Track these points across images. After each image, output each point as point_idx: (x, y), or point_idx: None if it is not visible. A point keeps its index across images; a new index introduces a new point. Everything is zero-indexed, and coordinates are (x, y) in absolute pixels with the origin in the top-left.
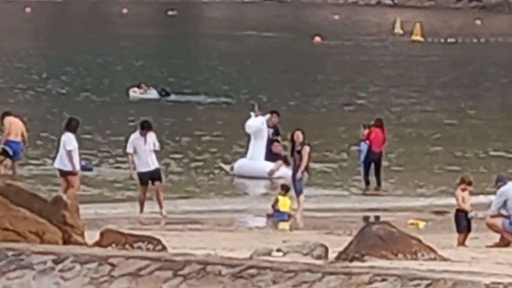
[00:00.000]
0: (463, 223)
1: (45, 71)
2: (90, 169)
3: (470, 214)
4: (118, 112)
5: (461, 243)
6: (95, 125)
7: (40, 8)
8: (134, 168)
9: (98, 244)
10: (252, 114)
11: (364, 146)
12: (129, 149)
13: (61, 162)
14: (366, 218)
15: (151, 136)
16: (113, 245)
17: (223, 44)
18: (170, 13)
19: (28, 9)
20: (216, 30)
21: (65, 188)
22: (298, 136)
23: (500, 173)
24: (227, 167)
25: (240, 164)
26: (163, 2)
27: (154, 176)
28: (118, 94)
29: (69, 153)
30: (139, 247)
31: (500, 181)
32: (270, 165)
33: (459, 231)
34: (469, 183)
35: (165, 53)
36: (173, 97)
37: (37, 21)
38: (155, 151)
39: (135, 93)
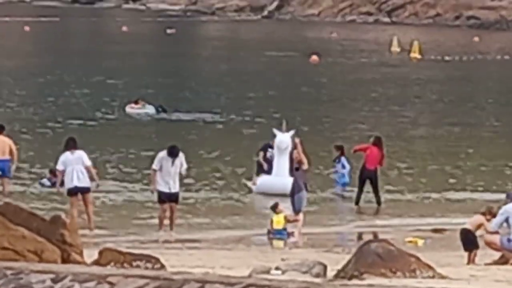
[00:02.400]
0: (473, 240)
1: (43, 88)
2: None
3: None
4: (115, 128)
5: (472, 260)
6: (93, 143)
7: (39, 27)
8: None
9: (96, 262)
10: (275, 130)
11: (340, 167)
12: (155, 166)
13: (78, 180)
14: (361, 236)
15: (180, 159)
16: (112, 264)
17: (220, 62)
18: (169, 31)
19: (27, 28)
20: (213, 49)
21: (84, 206)
22: (295, 156)
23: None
24: (249, 183)
25: (264, 181)
26: (162, 21)
27: (172, 197)
28: (115, 110)
29: (88, 168)
30: (138, 266)
31: (508, 198)
32: None
33: (468, 249)
34: (495, 215)
35: (163, 71)
36: (170, 114)
37: (36, 39)
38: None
39: (132, 109)
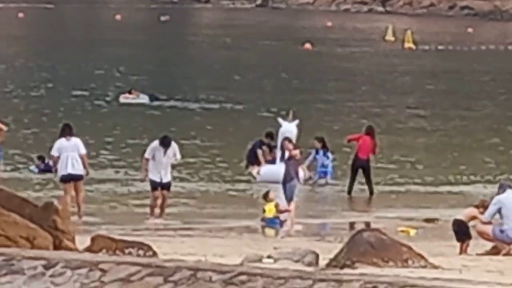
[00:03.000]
0: (465, 231)
1: (36, 76)
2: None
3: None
4: (109, 118)
5: (464, 250)
6: (86, 131)
7: (33, 14)
8: (147, 174)
9: (88, 249)
10: (280, 120)
11: (324, 158)
12: (148, 155)
13: (73, 167)
14: (353, 225)
15: (172, 149)
16: (104, 251)
17: (214, 50)
18: (162, 18)
19: (21, 14)
20: (207, 36)
21: (75, 193)
22: (287, 145)
23: (503, 180)
24: (254, 171)
25: (267, 170)
26: (156, 8)
27: (163, 186)
28: (109, 99)
29: (83, 156)
30: (130, 253)
31: (501, 188)
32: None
33: (461, 239)
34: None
35: (156, 58)
36: (163, 101)
37: (29, 26)
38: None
39: (126, 98)
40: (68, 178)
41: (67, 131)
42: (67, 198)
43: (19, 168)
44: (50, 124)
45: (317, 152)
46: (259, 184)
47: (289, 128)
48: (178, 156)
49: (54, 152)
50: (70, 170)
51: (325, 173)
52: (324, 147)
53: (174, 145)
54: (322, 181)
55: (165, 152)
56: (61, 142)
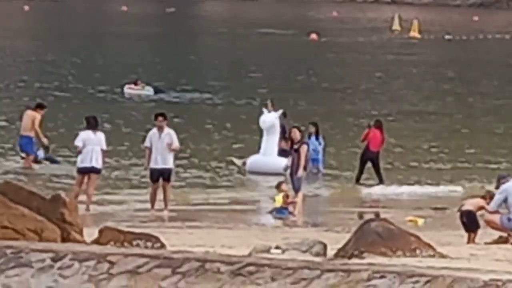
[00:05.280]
0: (474, 221)
1: (41, 68)
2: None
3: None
4: (114, 108)
5: (472, 240)
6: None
7: (38, 6)
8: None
9: (96, 241)
10: (265, 110)
11: (316, 143)
12: (146, 143)
13: (96, 161)
14: (362, 215)
15: (168, 133)
16: (112, 243)
17: (220, 42)
18: (168, 10)
19: (26, 7)
20: (213, 28)
21: (87, 185)
22: (295, 133)
23: (500, 172)
24: (239, 162)
25: (253, 160)
26: (162, 0)
27: (163, 175)
28: (115, 90)
29: (103, 152)
30: (138, 245)
31: (503, 178)
32: (284, 161)
33: (470, 230)
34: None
35: (161, 50)
36: (168, 94)
37: (35, 19)
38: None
39: (131, 89)
40: (89, 171)
41: (93, 124)
42: (79, 189)
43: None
44: (55, 115)
45: (309, 137)
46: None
47: (265, 118)
48: (176, 143)
49: (78, 143)
50: (94, 163)
51: (317, 160)
52: (317, 132)
53: (170, 132)
54: (314, 169)
55: (159, 136)
56: (87, 134)
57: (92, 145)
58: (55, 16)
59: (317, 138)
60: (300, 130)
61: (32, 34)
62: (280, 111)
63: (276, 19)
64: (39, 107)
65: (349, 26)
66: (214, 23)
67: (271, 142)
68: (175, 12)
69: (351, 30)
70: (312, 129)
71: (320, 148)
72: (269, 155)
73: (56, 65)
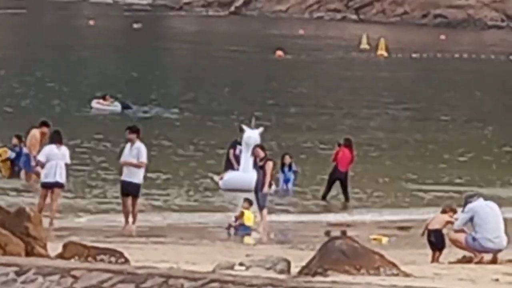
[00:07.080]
0: (442, 240)
1: (7, 81)
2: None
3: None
4: (81, 123)
5: (436, 259)
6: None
7: (5, 18)
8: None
9: (60, 256)
10: (245, 126)
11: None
12: (122, 158)
13: (60, 176)
14: (328, 233)
15: (137, 148)
16: (76, 258)
17: (186, 58)
18: (135, 26)
19: None
20: (179, 43)
21: (51, 200)
22: (258, 152)
23: (467, 192)
24: (216, 178)
25: (231, 177)
26: (129, 15)
27: (129, 189)
28: (80, 104)
29: (66, 166)
30: (102, 260)
31: (470, 197)
32: None
33: (437, 249)
34: (455, 211)
35: (128, 65)
36: (134, 109)
37: (1, 31)
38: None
39: (99, 104)
40: (52, 185)
41: (57, 139)
42: (43, 203)
43: None
44: (19, 127)
45: (282, 168)
46: (230, 191)
47: (251, 135)
48: (142, 159)
49: (41, 158)
50: (58, 178)
51: (288, 180)
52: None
53: (140, 146)
54: (284, 188)
55: (130, 150)
56: (51, 148)
57: (56, 159)
58: (22, 28)
59: (290, 168)
60: (263, 148)
61: None
62: (261, 129)
63: (243, 36)
64: (44, 125)
65: (316, 43)
66: (181, 39)
67: (249, 159)
68: (142, 28)
69: (318, 48)
70: (289, 160)
71: (291, 176)
72: (248, 172)
73: (22, 77)
